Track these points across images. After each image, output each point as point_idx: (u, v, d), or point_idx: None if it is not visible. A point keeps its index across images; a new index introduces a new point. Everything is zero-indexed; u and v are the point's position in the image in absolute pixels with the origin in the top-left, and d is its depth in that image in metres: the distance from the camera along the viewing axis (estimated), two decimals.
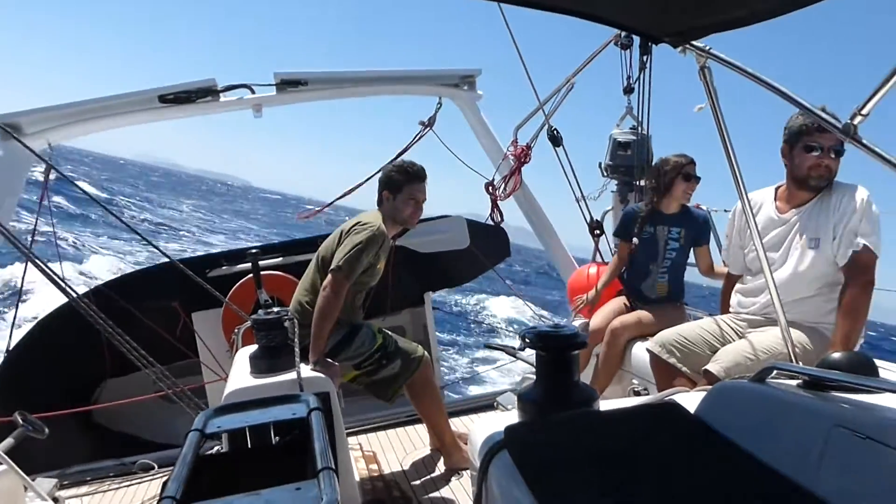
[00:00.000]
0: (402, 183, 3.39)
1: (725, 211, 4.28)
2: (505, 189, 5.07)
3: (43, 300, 7.01)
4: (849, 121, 2.01)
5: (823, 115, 2.17)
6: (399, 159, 3.50)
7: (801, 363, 2.42)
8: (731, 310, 3.21)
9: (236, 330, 3.76)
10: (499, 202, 5.19)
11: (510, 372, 8.04)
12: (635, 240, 3.80)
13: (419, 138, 5.03)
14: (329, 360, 3.17)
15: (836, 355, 1.69)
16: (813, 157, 2.77)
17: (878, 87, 1.91)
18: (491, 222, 5.36)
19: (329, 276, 3.11)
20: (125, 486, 3.81)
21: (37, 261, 3.14)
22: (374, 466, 3.70)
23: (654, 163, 3.90)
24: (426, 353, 3.50)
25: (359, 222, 3.26)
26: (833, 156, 2.77)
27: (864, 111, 1.97)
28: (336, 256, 3.15)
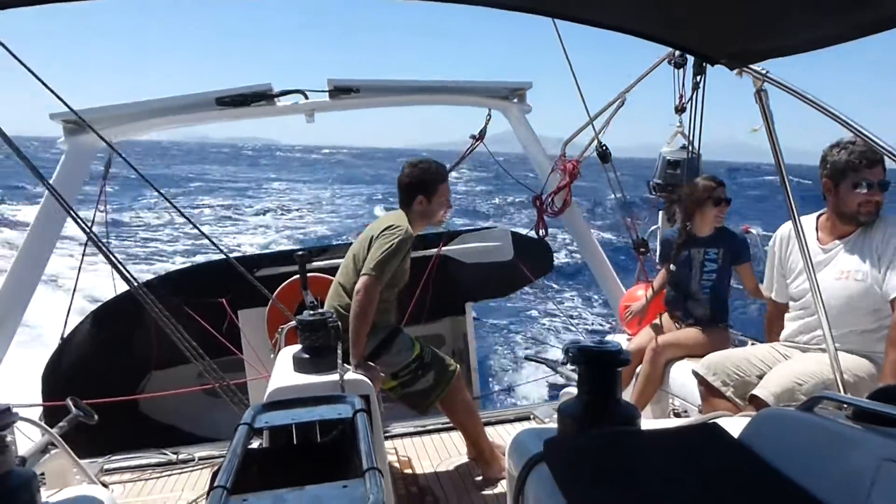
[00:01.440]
0: (437, 185, 3.43)
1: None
2: (554, 204, 5.06)
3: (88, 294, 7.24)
4: None
5: (884, 144, 2.13)
6: (419, 160, 3.51)
7: (850, 391, 2.37)
8: (784, 337, 3.16)
9: (280, 329, 3.82)
10: (546, 217, 5.18)
11: (548, 385, 8.00)
12: (672, 266, 3.79)
13: (470, 151, 5.11)
14: (370, 363, 3.22)
15: (887, 387, 1.66)
16: (862, 195, 2.75)
17: None
18: (535, 236, 5.36)
19: (362, 279, 3.16)
20: (165, 476, 3.91)
21: (102, 247, 3.25)
22: (409, 471, 3.72)
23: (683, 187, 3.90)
24: (458, 366, 3.52)
25: (389, 226, 3.31)
26: (881, 190, 2.74)
27: None
28: (368, 260, 3.21)
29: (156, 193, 4.08)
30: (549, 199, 5.07)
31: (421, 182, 3.44)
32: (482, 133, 5.09)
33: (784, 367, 2.91)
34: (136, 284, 3.47)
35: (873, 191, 2.74)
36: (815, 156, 2.96)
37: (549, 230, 5.31)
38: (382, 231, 3.29)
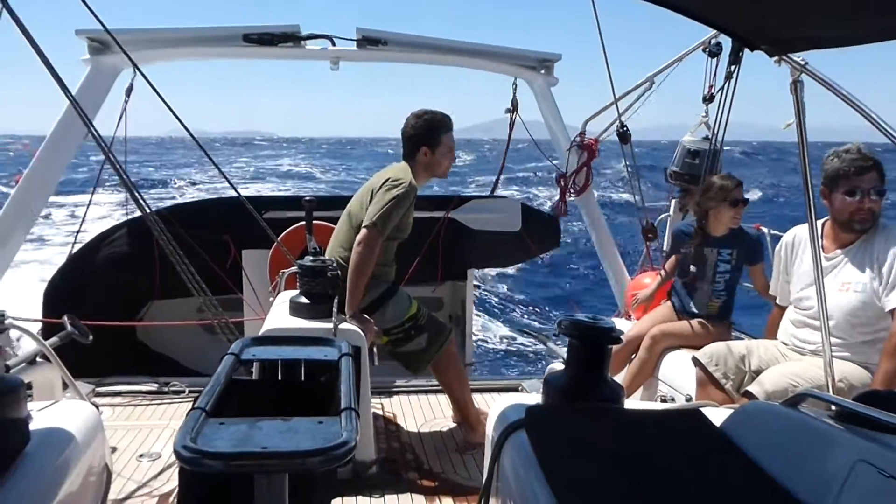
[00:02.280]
0: (441, 135, 3.39)
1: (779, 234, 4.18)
2: (576, 184, 5.02)
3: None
4: None
5: None
6: (423, 111, 3.47)
7: (843, 397, 2.37)
8: (785, 339, 3.16)
9: (281, 273, 3.84)
10: (567, 198, 5.14)
11: (541, 359, 8.05)
12: (693, 268, 3.74)
13: (513, 125, 5.10)
14: (365, 315, 3.23)
15: (873, 392, 1.66)
16: (854, 202, 2.75)
17: None
18: (556, 212, 5.33)
19: (363, 231, 3.14)
20: (156, 405, 3.97)
21: (118, 167, 3.27)
22: (394, 427, 3.77)
23: (699, 185, 3.83)
24: (452, 331, 3.53)
25: (391, 178, 3.26)
26: (875, 197, 2.73)
27: None
28: (370, 212, 3.18)
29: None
30: (572, 179, 5.03)
31: (425, 133, 3.38)
32: (514, 104, 5.06)
33: (781, 367, 2.92)
34: (147, 210, 3.48)
35: (864, 198, 2.73)
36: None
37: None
38: (384, 183, 3.25)
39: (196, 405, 1.21)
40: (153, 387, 4.17)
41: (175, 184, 31.00)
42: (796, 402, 1.69)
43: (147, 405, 3.97)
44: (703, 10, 2.07)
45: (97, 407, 3.17)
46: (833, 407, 1.62)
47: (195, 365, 4.94)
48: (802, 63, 2.37)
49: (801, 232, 3.07)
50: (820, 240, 2.94)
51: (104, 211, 11.36)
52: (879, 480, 1.31)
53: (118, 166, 3.30)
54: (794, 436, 1.59)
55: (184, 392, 4.11)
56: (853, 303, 2.78)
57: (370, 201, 3.26)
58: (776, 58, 2.38)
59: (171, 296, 4.77)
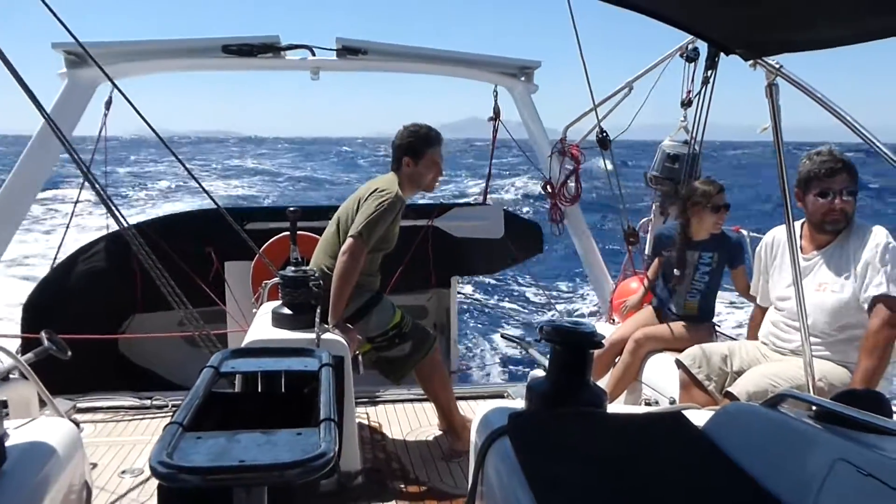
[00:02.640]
0: (424, 147, 3.40)
1: (755, 233, 4.22)
2: (567, 192, 5.03)
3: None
4: None
5: (888, 152, 2.13)
6: (414, 124, 3.49)
7: (823, 397, 2.39)
8: (765, 339, 3.19)
9: (264, 284, 3.82)
10: (560, 206, 5.12)
11: (526, 365, 8.05)
12: (676, 271, 3.76)
13: (496, 133, 5.12)
14: (349, 325, 3.22)
15: (851, 391, 1.68)
16: (826, 203, 2.79)
17: None
18: (552, 222, 5.31)
19: (348, 241, 3.15)
20: (138, 420, 3.93)
21: (95, 183, 3.24)
22: (379, 437, 3.75)
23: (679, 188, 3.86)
24: (437, 338, 3.52)
25: (377, 188, 3.28)
26: (847, 197, 2.77)
27: None
28: (356, 221, 3.19)
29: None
30: (562, 186, 5.02)
31: (409, 144, 3.41)
32: (496, 111, 5.08)
33: (761, 368, 2.94)
34: (125, 224, 3.45)
35: (836, 199, 2.77)
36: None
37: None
38: (371, 193, 3.26)
39: (173, 420, 1.20)
40: (135, 402, 4.12)
41: (150, 188, 30.78)
42: (776, 402, 1.70)
43: (129, 420, 3.92)
44: (677, 15, 2.09)
45: (77, 424, 3.14)
46: (813, 407, 1.64)
47: (179, 378, 4.90)
48: (777, 66, 2.40)
49: (780, 233, 3.11)
50: (799, 241, 2.97)
51: (85, 222, 11.27)
52: (858, 479, 1.32)
53: (97, 185, 3.26)
54: (775, 436, 1.60)
55: (166, 406, 4.07)
56: (830, 303, 2.81)
57: (357, 211, 3.26)
58: (751, 62, 2.41)
59: (154, 309, 4.73)
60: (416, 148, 3.39)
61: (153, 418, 3.95)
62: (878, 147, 2.16)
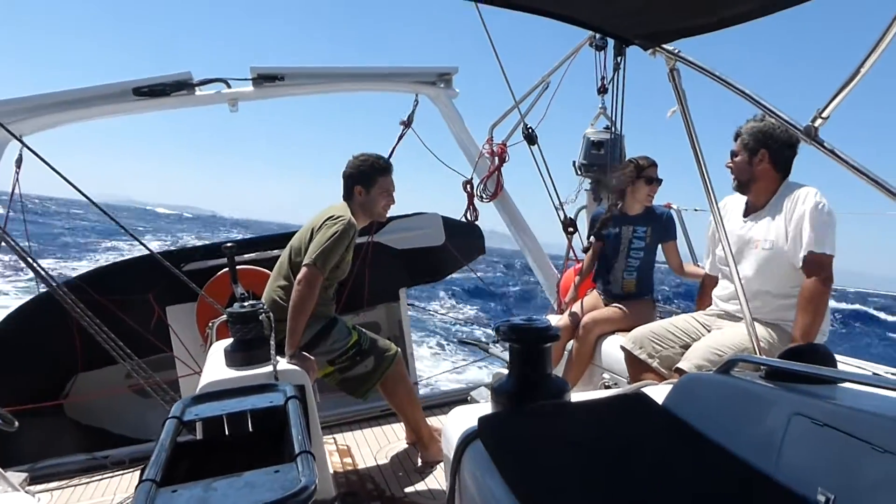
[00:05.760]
0: (375, 176, 3.42)
1: (696, 210, 4.38)
2: (486, 190, 5.11)
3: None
4: (810, 123, 2.08)
5: (785, 117, 2.24)
6: (363, 153, 3.51)
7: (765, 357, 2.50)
8: (714, 307, 3.30)
9: (211, 324, 3.74)
10: (475, 202, 5.22)
11: (484, 367, 8.10)
12: (598, 241, 3.91)
13: (401, 138, 5.10)
14: (305, 353, 3.19)
15: (796, 347, 1.76)
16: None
17: (838, 91, 1.98)
18: (465, 220, 5.40)
19: (303, 270, 3.13)
20: (96, 481, 3.78)
21: (16, 247, 3.11)
22: (349, 460, 3.72)
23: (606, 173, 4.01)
24: (399, 350, 3.53)
25: (331, 216, 3.28)
26: (736, 158, 3.05)
27: (824, 114, 2.04)
28: (310, 250, 3.17)
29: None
30: (482, 185, 5.12)
31: (360, 173, 3.42)
32: (410, 118, 5.09)
33: (705, 340, 3.04)
34: (53, 284, 3.33)
35: (730, 161, 3.10)
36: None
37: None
38: (325, 221, 3.25)
39: (144, 477, 1.18)
40: (92, 463, 3.98)
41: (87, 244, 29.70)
42: (728, 368, 1.78)
43: (88, 483, 3.78)
44: (577, 13, 2.17)
45: (33, 495, 3.01)
46: (762, 367, 1.72)
47: (135, 433, 4.74)
48: (675, 52, 2.51)
49: (730, 201, 3.23)
50: (740, 209, 3.14)
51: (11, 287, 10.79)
52: (815, 430, 1.39)
53: (18, 249, 3.14)
54: (731, 400, 1.68)
55: (125, 463, 3.93)
56: (762, 259, 2.93)
57: (310, 239, 3.24)
58: (651, 50, 2.52)
59: (98, 365, 4.57)
60: (368, 176, 3.41)
61: (112, 476, 3.82)
62: (780, 117, 2.28)
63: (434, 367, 9.39)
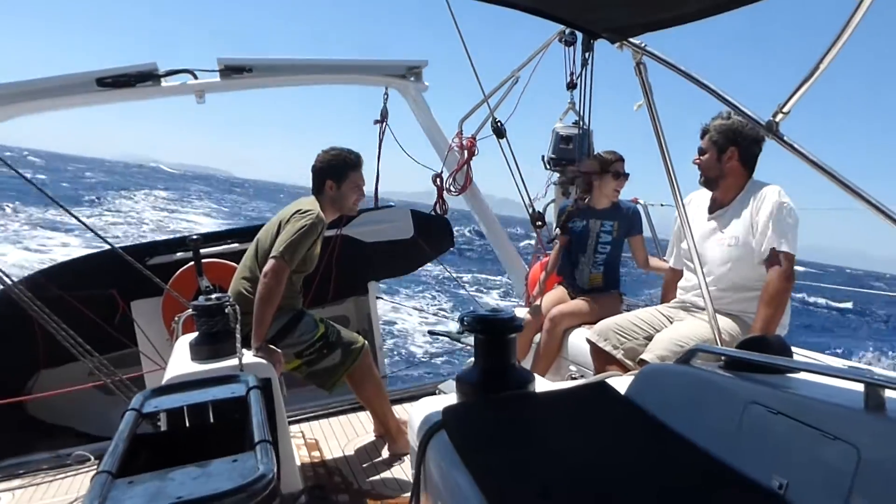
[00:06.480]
0: (347, 171, 3.41)
1: (662, 205, 4.44)
2: (455, 183, 5.12)
3: None
4: (771, 118, 2.12)
5: (748, 112, 2.28)
6: (333, 147, 3.50)
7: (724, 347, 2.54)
8: (678, 300, 3.35)
9: (177, 318, 3.70)
10: (446, 195, 5.24)
11: (454, 359, 8.13)
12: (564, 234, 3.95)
13: (382, 135, 5.10)
14: (272, 346, 3.17)
15: (753, 337, 1.80)
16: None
17: (799, 86, 2.03)
18: (435, 213, 5.41)
19: (270, 262, 3.11)
20: (60, 479, 3.72)
21: None
22: (317, 453, 3.71)
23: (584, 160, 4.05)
24: (366, 342, 3.53)
25: (299, 210, 3.27)
26: (700, 155, 3.09)
27: (785, 109, 2.09)
28: (277, 243, 3.16)
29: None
30: (451, 178, 5.13)
31: (331, 167, 3.41)
32: (384, 114, 5.09)
33: (667, 332, 3.10)
34: (9, 282, 3.27)
35: (697, 158, 3.14)
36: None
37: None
38: (293, 214, 3.24)
39: (100, 469, 1.16)
40: (55, 462, 3.91)
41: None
42: (688, 358, 1.81)
43: (52, 481, 3.71)
44: (546, 6, 2.19)
45: None
46: (721, 358, 1.75)
47: (99, 430, 4.66)
48: (642, 46, 2.54)
49: (696, 197, 3.29)
50: (707, 204, 3.18)
51: None
52: (769, 418, 1.43)
53: None
54: (690, 390, 1.71)
55: (89, 460, 3.87)
56: (727, 256, 2.99)
57: (278, 232, 3.22)
58: (618, 44, 2.54)
59: (60, 362, 4.48)
60: (339, 171, 3.40)
61: (76, 474, 3.76)
62: (742, 111, 2.32)
63: (405, 360, 9.40)
